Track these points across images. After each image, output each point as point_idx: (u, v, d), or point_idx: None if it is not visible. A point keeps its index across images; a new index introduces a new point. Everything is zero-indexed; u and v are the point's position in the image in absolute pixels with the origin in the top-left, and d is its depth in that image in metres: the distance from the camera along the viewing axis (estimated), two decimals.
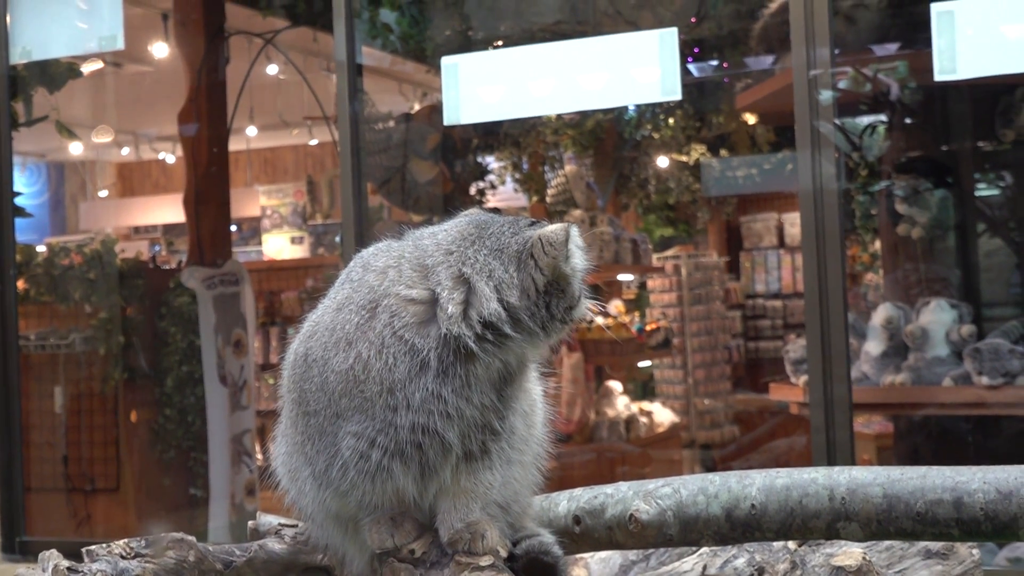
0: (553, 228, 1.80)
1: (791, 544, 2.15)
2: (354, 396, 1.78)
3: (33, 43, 5.54)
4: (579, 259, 1.84)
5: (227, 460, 6.49)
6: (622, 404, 7.81)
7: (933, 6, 4.06)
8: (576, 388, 7.30)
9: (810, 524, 1.98)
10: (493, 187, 8.21)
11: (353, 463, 1.79)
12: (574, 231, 1.82)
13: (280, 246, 11.58)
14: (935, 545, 2.13)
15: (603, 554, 2.30)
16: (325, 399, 1.81)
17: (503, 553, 1.82)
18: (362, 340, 1.78)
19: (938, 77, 4.07)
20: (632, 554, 2.30)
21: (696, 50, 6.66)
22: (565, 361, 7.24)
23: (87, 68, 6.27)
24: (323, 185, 11.12)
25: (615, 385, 7.91)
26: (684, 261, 9.24)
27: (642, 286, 9.64)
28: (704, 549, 2.21)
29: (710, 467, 8.45)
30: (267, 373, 8.21)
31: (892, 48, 5.55)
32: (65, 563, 1.95)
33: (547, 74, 4.77)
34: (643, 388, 9.16)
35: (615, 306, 8.86)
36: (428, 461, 1.78)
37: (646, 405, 8.23)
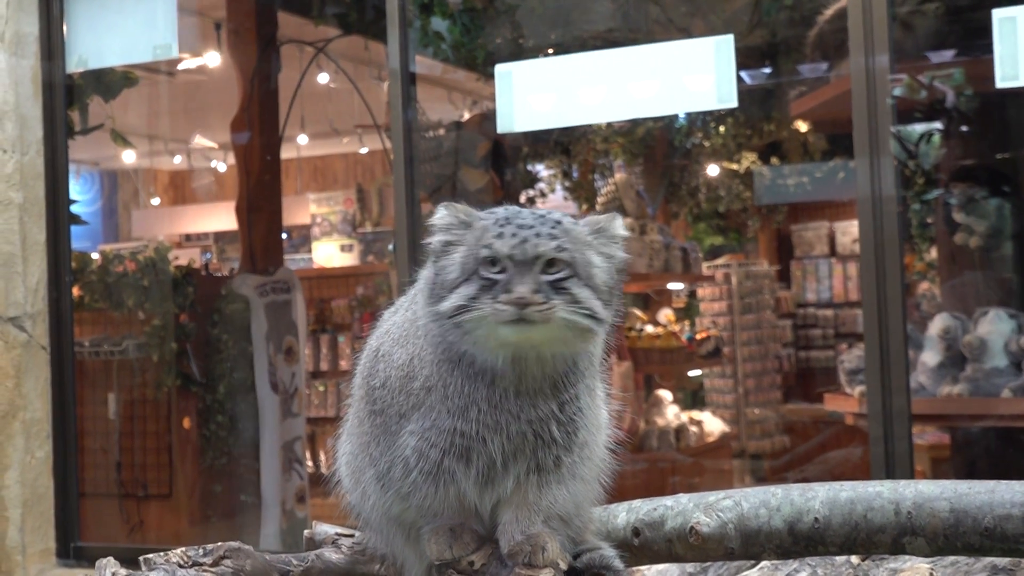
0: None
1: (854, 559, 2.12)
2: (409, 393, 1.77)
3: (89, 52, 5.59)
4: (439, 239, 1.75)
5: (278, 467, 6.51)
6: (672, 413, 7.76)
7: (995, 12, 4.01)
8: (625, 397, 7.26)
9: (875, 538, 1.94)
10: (543, 195, 8.21)
11: (415, 463, 1.77)
12: (440, 211, 1.75)
13: (330, 254, 11.61)
14: (1002, 561, 2.09)
15: (661, 567, 2.27)
16: (389, 397, 1.80)
17: (563, 566, 1.80)
18: (415, 334, 1.79)
19: (1000, 84, 4.02)
20: (691, 567, 2.27)
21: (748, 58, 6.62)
22: (615, 370, 7.20)
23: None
24: (373, 193, 11.15)
25: (665, 394, 7.86)
26: (734, 270, 9.19)
27: (692, 295, 9.59)
28: (765, 563, 2.18)
29: (761, 477, 8.38)
30: (318, 380, 8.24)
31: (948, 55, 5.49)
32: (123, 571, 1.95)
33: (599, 82, 4.75)
34: (693, 397, 9.11)
35: (665, 315, 8.82)
36: (484, 466, 1.76)
37: (696, 414, 8.18)
